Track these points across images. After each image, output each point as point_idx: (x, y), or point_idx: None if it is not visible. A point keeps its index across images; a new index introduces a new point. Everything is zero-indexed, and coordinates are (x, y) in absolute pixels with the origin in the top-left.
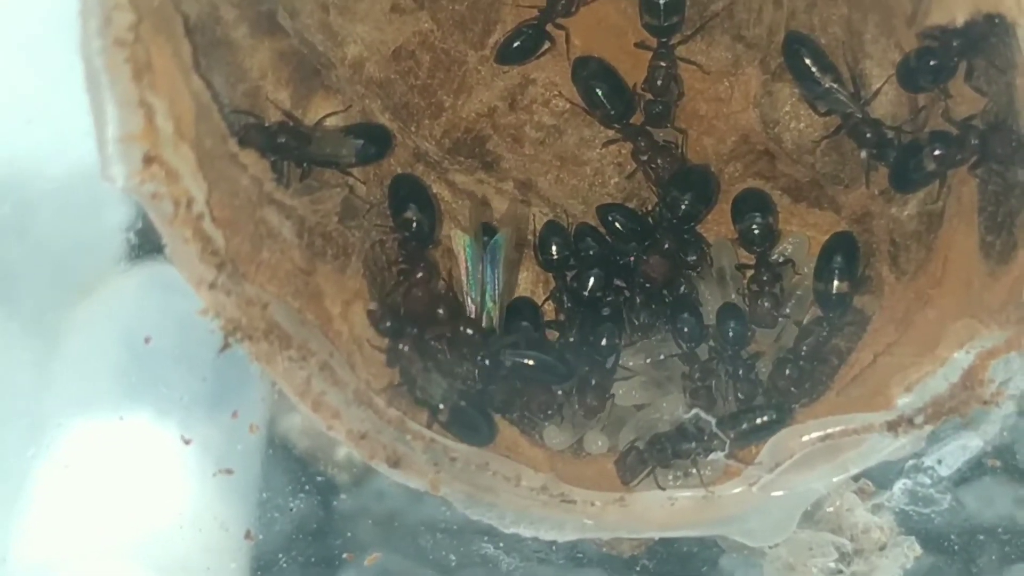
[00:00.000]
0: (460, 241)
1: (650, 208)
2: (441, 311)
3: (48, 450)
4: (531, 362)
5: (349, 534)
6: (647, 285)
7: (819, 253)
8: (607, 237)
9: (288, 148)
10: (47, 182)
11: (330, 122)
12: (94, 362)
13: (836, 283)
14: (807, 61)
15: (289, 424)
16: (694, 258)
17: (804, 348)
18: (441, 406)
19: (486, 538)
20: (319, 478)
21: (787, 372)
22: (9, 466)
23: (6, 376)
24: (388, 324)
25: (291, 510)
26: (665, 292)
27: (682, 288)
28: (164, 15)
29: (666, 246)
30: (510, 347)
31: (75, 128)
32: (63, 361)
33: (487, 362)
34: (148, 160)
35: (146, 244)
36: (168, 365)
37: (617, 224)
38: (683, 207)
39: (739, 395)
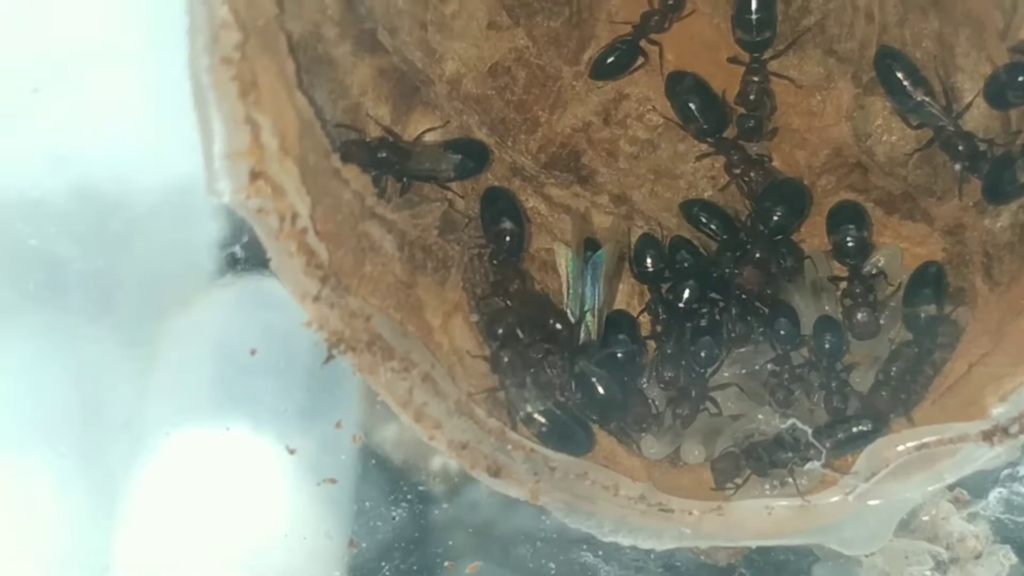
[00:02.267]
0: (562, 255)
1: (743, 220)
2: (538, 323)
3: (155, 459)
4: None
5: (446, 544)
6: (742, 296)
7: (908, 280)
8: (697, 241)
9: (388, 163)
10: (154, 196)
11: (429, 137)
12: (196, 373)
13: (924, 310)
14: (899, 75)
15: (383, 436)
16: (790, 268)
17: (894, 370)
18: (537, 416)
19: (584, 547)
20: (414, 489)
21: (882, 393)
22: (114, 475)
23: (109, 387)
24: (499, 330)
25: (389, 520)
26: (759, 304)
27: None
28: (269, 33)
29: (758, 256)
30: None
31: (174, 144)
32: (164, 372)
33: (584, 374)
34: (254, 176)
35: (243, 259)
36: (269, 377)
37: (702, 219)
38: (776, 219)
39: (834, 405)
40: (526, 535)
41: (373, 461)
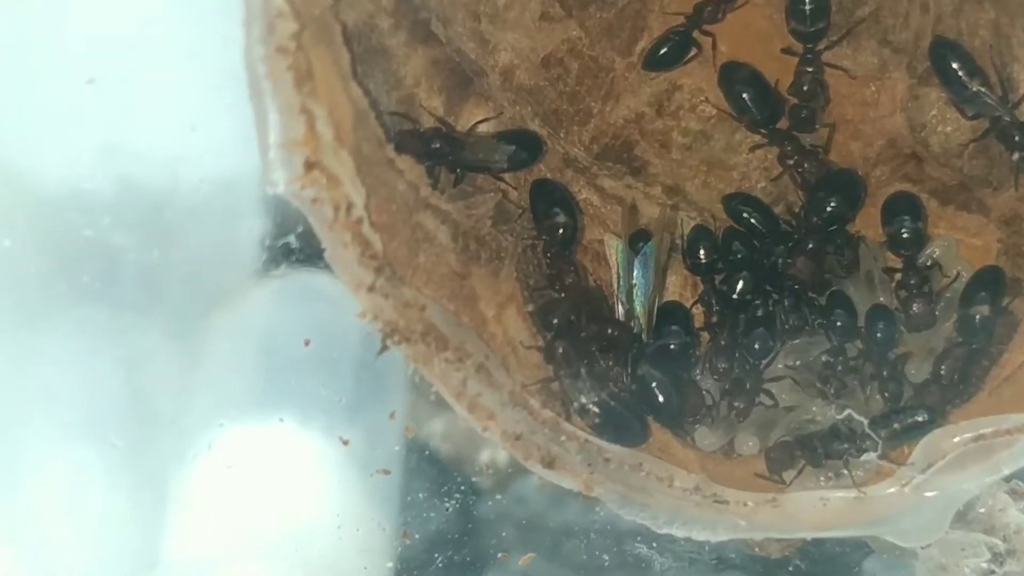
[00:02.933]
0: (613, 246)
1: (797, 211)
2: (592, 315)
3: (205, 452)
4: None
5: (497, 537)
6: (795, 287)
7: (967, 282)
8: (746, 232)
9: (442, 154)
10: (205, 188)
11: (482, 128)
12: (245, 366)
13: (980, 314)
14: (954, 65)
15: (431, 429)
16: (846, 259)
17: (944, 369)
18: (592, 407)
19: (638, 538)
20: (463, 482)
21: (932, 390)
22: (164, 469)
23: (159, 380)
24: (555, 320)
25: (440, 512)
26: (812, 294)
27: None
28: (324, 23)
29: (811, 247)
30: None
31: (226, 136)
32: (213, 366)
33: (636, 366)
34: (309, 166)
35: (293, 252)
36: (318, 370)
37: (744, 215)
38: (829, 209)
39: (885, 395)
40: (576, 529)
41: (425, 453)
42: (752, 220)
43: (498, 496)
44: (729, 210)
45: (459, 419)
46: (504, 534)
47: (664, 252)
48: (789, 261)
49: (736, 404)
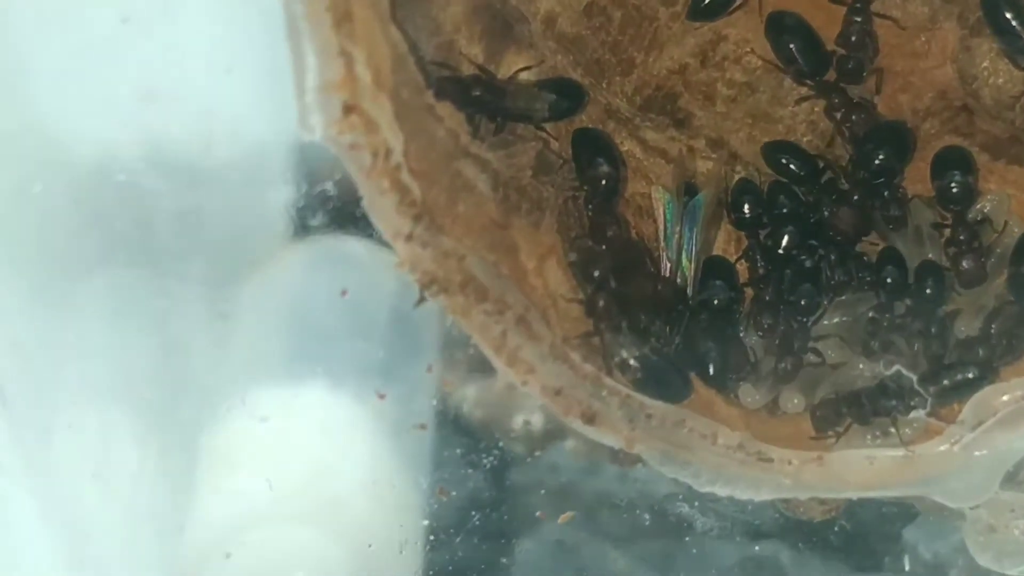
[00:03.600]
0: (660, 199)
1: (844, 164)
2: (634, 268)
3: (236, 412)
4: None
5: (533, 501)
6: (837, 238)
7: (1019, 239)
8: (787, 181)
9: (482, 101)
10: (243, 136)
11: (523, 77)
12: (276, 327)
13: None
14: (1007, 15)
15: (462, 395)
16: (894, 215)
17: (994, 327)
18: (633, 362)
19: (680, 497)
20: (495, 445)
21: (979, 350)
22: (197, 425)
23: (190, 339)
24: (596, 273)
25: (470, 470)
26: (854, 247)
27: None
28: None
29: (856, 199)
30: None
31: (261, 89)
32: (245, 326)
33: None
34: (347, 109)
35: (322, 218)
36: (355, 326)
37: (783, 162)
38: (878, 163)
39: (933, 352)
40: (612, 495)
41: (458, 417)
42: (792, 167)
43: (532, 461)
44: (768, 158)
45: (498, 381)
46: (541, 498)
47: (712, 206)
48: (832, 211)
49: (783, 364)
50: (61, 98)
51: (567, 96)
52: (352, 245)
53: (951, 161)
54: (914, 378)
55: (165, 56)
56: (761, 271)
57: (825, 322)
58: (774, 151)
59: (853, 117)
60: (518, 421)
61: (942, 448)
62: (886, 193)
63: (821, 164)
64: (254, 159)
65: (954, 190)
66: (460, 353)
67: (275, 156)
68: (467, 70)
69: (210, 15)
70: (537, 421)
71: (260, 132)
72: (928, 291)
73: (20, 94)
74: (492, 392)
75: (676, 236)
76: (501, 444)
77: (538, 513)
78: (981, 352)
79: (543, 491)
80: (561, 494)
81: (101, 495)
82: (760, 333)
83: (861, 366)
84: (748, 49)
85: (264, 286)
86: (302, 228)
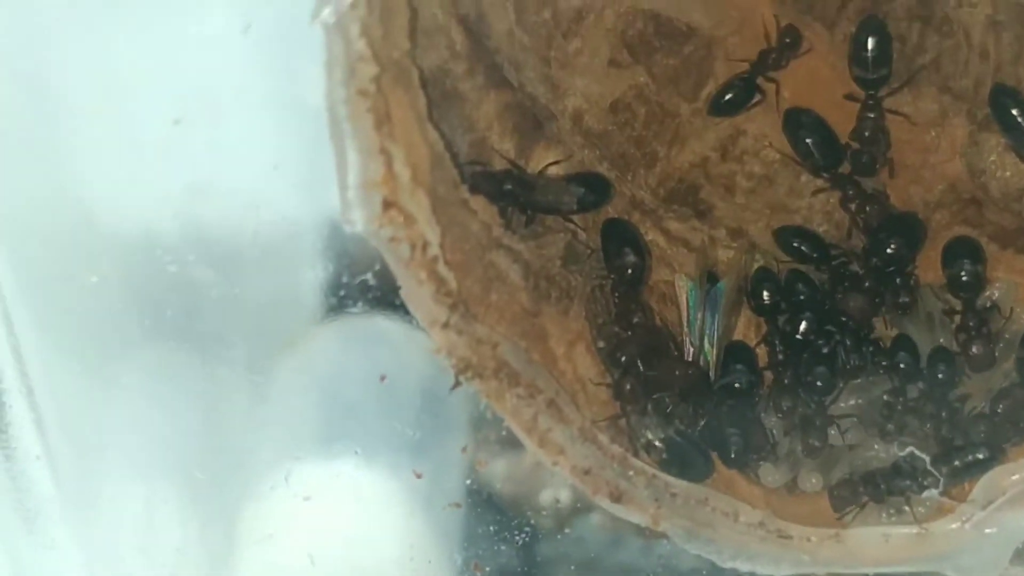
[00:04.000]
0: (683, 287)
1: (859, 253)
2: (658, 353)
3: (273, 491)
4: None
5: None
6: (847, 321)
7: None
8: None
9: (514, 195)
10: (287, 226)
11: (552, 171)
12: (310, 406)
13: None
14: (1014, 112)
15: (493, 470)
16: (904, 301)
17: (1000, 409)
18: (658, 443)
19: (703, 573)
20: (524, 520)
21: (981, 429)
22: (239, 501)
23: (231, 418)
24: (623, 358)
25: (503, 547)
26: (863, 332)
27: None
28: (402, 68)
29: (866, 286)
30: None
31: (305, 178)
32: (281, 406)
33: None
34: (387, 205)
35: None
36: (388, 406)
37: (794, 244)
38: (889, 251)
39: (944, 434)
40: (637, 568)
41: (487, 492)
42: (802, 248)
43: (560, 535)
44: (780, 241)
45: (528, 457)
46: (568, 572)
47: (733, 293)
48: (841, 297)
49: (810, 442)
50: (115, 191)
51: (594, 189)
52: (385, 325)
53: (961, 251)
54: (927, 459)
55: (214, 154)
56: (780, 355)
57: (841, 404)
58: (785, 234)
59: (867, 208)
60: (547, 496)
61: (954, 526)
62: (897, 280)
63: (830, 246)
64: (297, 250)
65: (964, 278)
66: (492, 434)
67: (317, 247)
68: (499, 165)
69: (258, 116)
70: (565, 496)
71: (303, 224)
72: (940, 376)
73: (77, 186)
74: (521, 468)
75: (699, 322)
76: (532, 521)
77: None
78: (990, 433)
79: (572, 564)
80: (588, 567)
81: (146, 569)
82: (779, 415)
83: (877, 446)
84: (766, 143)
85: (302, 365)
86: (346, 302)
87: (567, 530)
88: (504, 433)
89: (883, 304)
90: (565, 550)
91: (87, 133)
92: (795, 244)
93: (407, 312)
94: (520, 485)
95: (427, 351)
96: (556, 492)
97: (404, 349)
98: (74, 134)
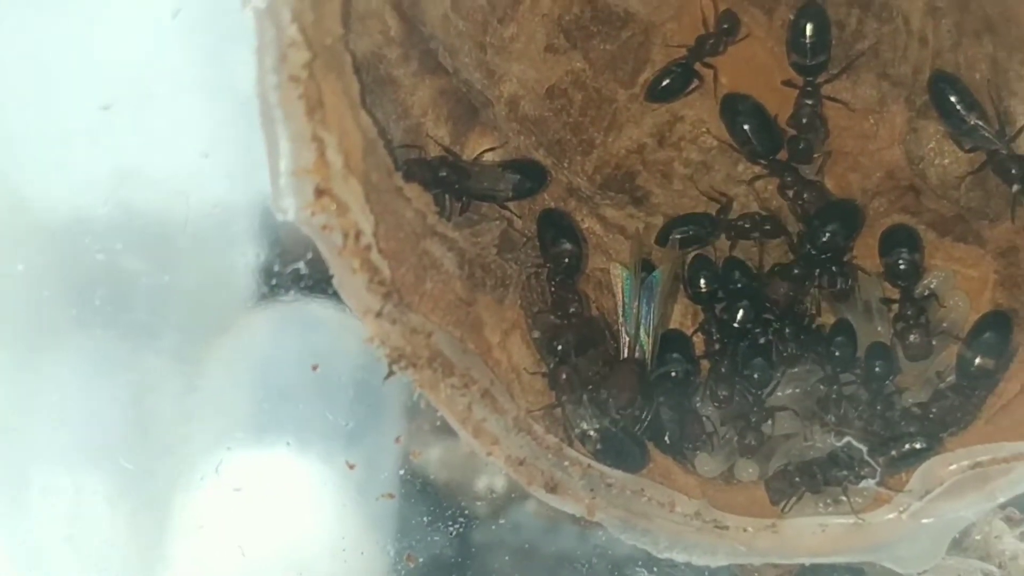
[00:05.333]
0: (618, 275)
1: (793, 239)
2: (594, 342)
3: (205, 479)
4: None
5: (491, 566)
6: (771, 308)
7: (973, 326)
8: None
9: (449, 182)
10: (218, 213)
11: (488, 158)
12: (242, 394)
13: (981, 359)
14: (952, 98)
15: (428, 456)
16: (839, 289)
17: (933, 411)
18: (593, 433)
19: (639, 563)
20: (459, 509)
21: (914, 430)
22: (170, 492)
23: (161, 405)
24: (559, 347)
25: (436, 538)
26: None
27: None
28: (335, 53)
29: (796, 272)
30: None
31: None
32: (211, 392)
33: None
34: (319, 193)
35: (298, 279)
36: (313, 397)
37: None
38: (824, 239)
39: (880, 424)
40: (574, 555)
41: (422, 480)
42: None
43: (495, 523)
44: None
45: (462, 444)
46: (504, 559)
47: (669, 281)
48: (768, 284)
49: (747, 440)
50: (42, 178)
51: (530, 176)
52: (317, 308)
53: (898, 239)
54: (864, 449)
55: (144, 141)
56: (717, 344)
57: (779, 393)
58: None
59: (805, 195)
60: (482, 483)
61: (891, 516)
62: (833, 268)
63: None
64: (227, 238)
65: (901, 267)
66: (426, 423)
67: (248, 236)
68: (434, 152)
69: (188, 102)
70: (500, 484)
71: (234, 212)
72: (877, 370)
73: (3, 173)
74: (456, 455)
75: (634, 311)
76: (467, 510)
77: None
78: (927, 424)
79: (508, 551)
80: (524, 555)
81: (73, 559)
82: (716, 404)
83: (814, 436)
84: (704, 129)
85: (235, 348)
86: (278, 290)
87: (502, 520)
88: (438, 423)
89: (812, 290)
90: (500, 538)
91: (14, 119)
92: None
93: (340, 299)
94: (455, 472)
95: (360, 339)
96: (491, 480)
97: (337, 336)
98: (1, 121)
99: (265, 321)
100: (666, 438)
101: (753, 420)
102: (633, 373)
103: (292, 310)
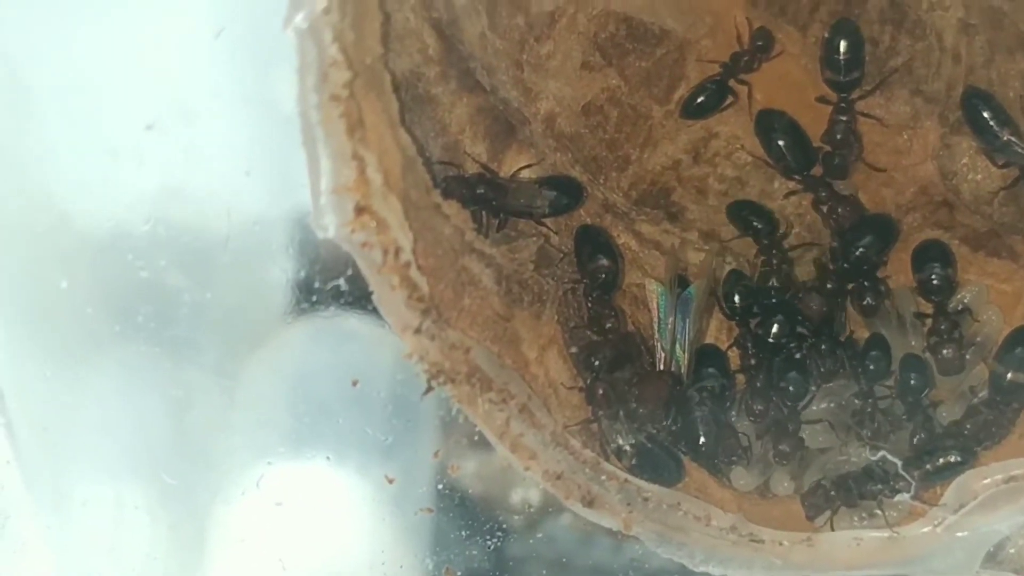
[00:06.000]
0: (654, 291)
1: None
2: (631, 358)
3: (243, 492)
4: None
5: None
6: (804, 322)
7: (1004, 341)
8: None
9: (486, 199)
10: (259, 230)
11: (524, 175)
12: (287, 405)
13: (1014, 374)
14: (985, 115)
15: (463, 470)
16: (871, 303)
17: (968, 427)
18: (629, 448)
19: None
20: (494, 522)
21: (949, 444)
22: (210, 505)
23: (205, 418)
24: (596, 362)
25: (475, 551)
26: (821, 332)
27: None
28: (375, 72)
29: (828, 287)
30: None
31: (276, 182)
32: (252, 406)
33: (676, 407)
34: (359, 210)
35: (338, 295)
36: (359, 409)
37: (745, 215)
38: (858, 253)
39: (916, 438)
40: (607, 568)
41: (458, 493)
42: (753, 222)
43: (532, 536)
44: (732, 215)
45: (498, 458)
46: (540, 572)
47: (704, 297)
48: (800, 297)
49: (781, 448)
50: (86, 196)
51: (566, 192)
52: (356, 325)
53: (931, 254)
54: (899, 463)
55: (187, 159)
56: (752, 359)
57: (814, 407)
58: (738, 209)
59: (839, 210)
60: (517, 496)
61: (926, 529)
62: (865, 283)
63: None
64: (268, 255)
65: (934, 282)
66: (463, 436)
67: (288, 252)
68: (471, 169)
69: (230, 121)
70: (535, 497)
71: (275, 229)
72: (912, 383)
73: (49, 191)
74: (492, 468)
75: (670, 326)
76: (504, 524)
77: None
78: (962, 438)
79: (543, 564)
80: (559, 567)
81: (115, 571)
82: (751, 418)
83: (849, 449)
84: (739, 146)
85: (273, 367)
86: (319, 305)
87: (539, 534)
88: (476, 437)
89: (846, 306)
90: (536, 551)
91: (60, 138)
92: (745, 216)
93: (379, 315)
94: (491, 486)
95: (399, 355)
96: (527, 493)
97: (376, 352)
98: (47, 138)
99: (305, 337)
100: (702, 452)
101: (790, 428)
102: (663, 384)
103: (332, 325)
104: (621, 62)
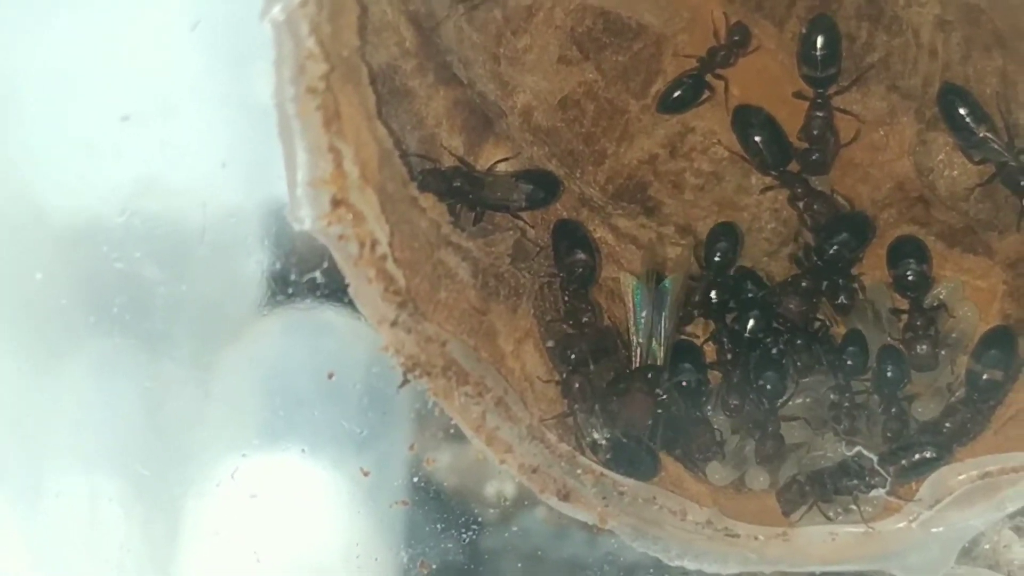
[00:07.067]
0: (629, 285)
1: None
2: (607, 352)
3: (218, 484)
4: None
5: (506, 568)
6: (786, 323)
7: (981, 337)
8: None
9: (462, 192)
10: (235, 222)
11: (501, 168)
12: (262, 398)
13: (990, 373)
14: (962, 111)
15: (438, 463)
16: (842, 302)
17: (947, 426)
18: (604, 442)
19: (651, 570)
20: (468, 515)
21: (925, 440)
22: (185, 497)
23: (176, 411)
24: (572, 356)
25: (448, 544)
26: (798, 332)
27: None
28: (352, 65)
29: (804, 286)
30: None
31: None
32: (230, 397)
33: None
34: (336, 203)
35: (314, 288)
36: (334, 401)
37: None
38: (832, 251)
39: (890, 433)
40: (583, 561)
41: (432, 486)
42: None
43: (505, 529)
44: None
45: (474, 452)
46: (515, 565)
47: (680, 291)
48: (779, 300)
49: (764, 450)
50: (63, 188)
51: (543, 186)
52: (331, 317)
53: (906, 250)
54: (874, 458)
55: (162, 151)
56: (728, 354)
57: (790, 403)
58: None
59: (815, 206)
60: (492, 489)
61: (901, 525)
62: (840, 281)
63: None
64: (243, 247)
65: (910, 278)
66: (440, 431)
67: (264, 245)
68: (448, 162)
69: (206, 113)
70: (510, 490)
71: (251, 222)
72: (888, 375)
73: (23, 182)
74: (466, 461)
75: (645, 320)
76: (479, 517)
77: None
78: (941, 436)
79: (517, 557)
80: (534, 560)
81: (89, 565)
82: (727, 413)
83: (825, 444)
84: (715, 141)
85: (248, 359)
86: (295, 297)
87: (513, 527)
88: (452, 431)
89: (821, 303)
90: (511, 544)
91: (35, 130)
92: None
93: (356, 308)
94: (466, 479)
95: (375, 348)
96: (502, 486)
97: (352, 344)
98: (21, 130)
99: (280, 329)
100: (678, 447)
101: (770, 428)
102: (646, 399)
103: (307, 318)
104: (598, 56)
